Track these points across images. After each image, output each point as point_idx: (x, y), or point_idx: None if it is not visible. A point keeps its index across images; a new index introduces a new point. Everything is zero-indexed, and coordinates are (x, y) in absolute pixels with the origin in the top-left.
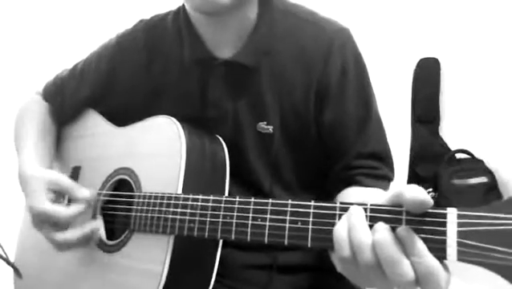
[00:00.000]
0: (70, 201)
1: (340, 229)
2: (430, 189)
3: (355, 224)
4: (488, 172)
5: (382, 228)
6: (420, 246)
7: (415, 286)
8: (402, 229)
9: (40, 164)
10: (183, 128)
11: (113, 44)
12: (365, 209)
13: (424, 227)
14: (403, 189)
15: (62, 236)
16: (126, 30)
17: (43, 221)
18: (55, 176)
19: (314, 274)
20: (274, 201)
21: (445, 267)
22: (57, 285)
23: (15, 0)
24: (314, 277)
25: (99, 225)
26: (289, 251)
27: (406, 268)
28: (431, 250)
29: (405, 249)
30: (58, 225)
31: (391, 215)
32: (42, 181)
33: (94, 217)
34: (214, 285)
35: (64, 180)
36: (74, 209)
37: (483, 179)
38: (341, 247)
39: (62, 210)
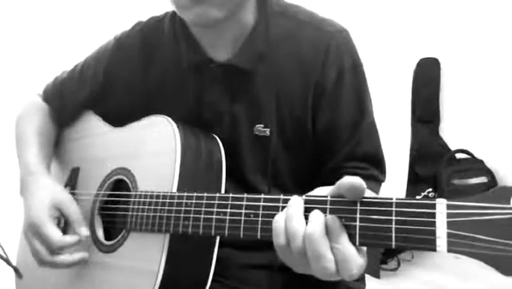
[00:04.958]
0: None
1: (279, 219)
2: (430, 189)
3: (293, 214)
4: (488, 173)
5: (315, 219)
6: (341, 234)
7: (335, 277)
8: (329, 218)
9: (43, 168)
10: (178, 127)
11: (111, 46)
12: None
13: (414, 218)
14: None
15: (51, 258)
16: (123, 32)
17: (36, 234)
18: (67, 199)
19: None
20: (266, 197)
21: (363, 254)
22: (56, 285)
23: (15, 0)
24: (314, 277)
25: (87, 257)
26: None
27: (329, 264)
28: (421, 241)
29: (330, 236)
30: (49, 246)
31: (381, 208)
32: (51, 195)
33: (92, 218)
34: (214, 285)
35: (74, 210)
36: (70, 240)
37: (483, 179)
38: (276, 235)
39: (59, 237)
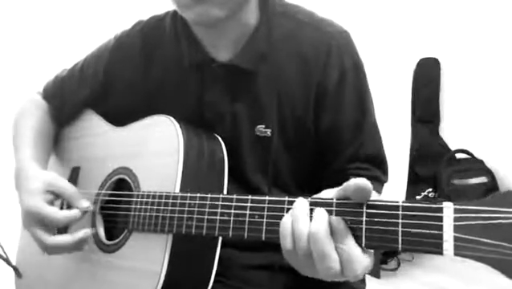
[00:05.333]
0: (64, 205)
1: (286, 221)
2: (430, 189)
3: (298, 216)
4: (488, 173)
5: (319, 217)
6: (347, 235)
7: (340, 277)
8: (334, 219)
9: (36, 163)
10: (181, 126)
11: (111, 45)
12: (361, 206)
13: (421, 222)
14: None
15: (53, 240)
16: (124, 31)
17: (35, 221)
18: (57, 178)
19: None
20: (270, 198)
21: (369, 254)
22: (57, 285)
23: (15, 0)
24: (315, 277)
25: (90, 233)
26: None
27: (334, 263)
28: (427, 244)
29: (335, 236)
30: (50, 227)
31: (388, 211)
32: (42, 181)
33: (93, 217)
34: (216, 285)
35: (66, 184)
36: (70, 214)
37: (483, 179)
38: (284, 237)
39: (58, 213)
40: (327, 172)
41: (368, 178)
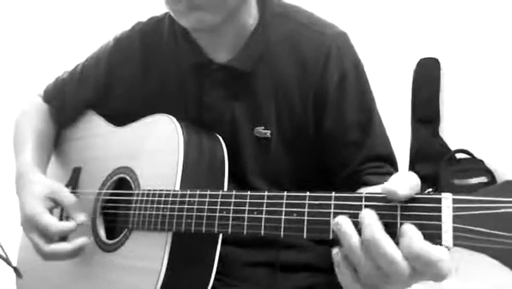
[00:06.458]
0: (63, 212)
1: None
2: (430, 189)
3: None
4: (488, 173)
5: (369, 223)
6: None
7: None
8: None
9: (38, 168)
10: (181, 125)
11: (111, 46)
12: (360, 198)
13: (420, 213)
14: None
15: (50, 248)
16: (123, 32)
17: (34, 227)
18: (60, 187)
19: (315, 273)
20: (269, 194)
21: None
22: (57, 284)
23: (15, 0)
24: (314, 276)
25: (89, 241)
26: (290, 250)
27: (402, 264)
28: (426, 236)
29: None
30: (48, 236)
31: (385, 203)
32: (46, 186)
33: (94, 217)
34: (215, 283)
35: (67, 195)
36: (67, 225)
37: (483, 179)
38: (337, 265)
39: (55, 224)
40: (339, 178)
41: (383, 174)
